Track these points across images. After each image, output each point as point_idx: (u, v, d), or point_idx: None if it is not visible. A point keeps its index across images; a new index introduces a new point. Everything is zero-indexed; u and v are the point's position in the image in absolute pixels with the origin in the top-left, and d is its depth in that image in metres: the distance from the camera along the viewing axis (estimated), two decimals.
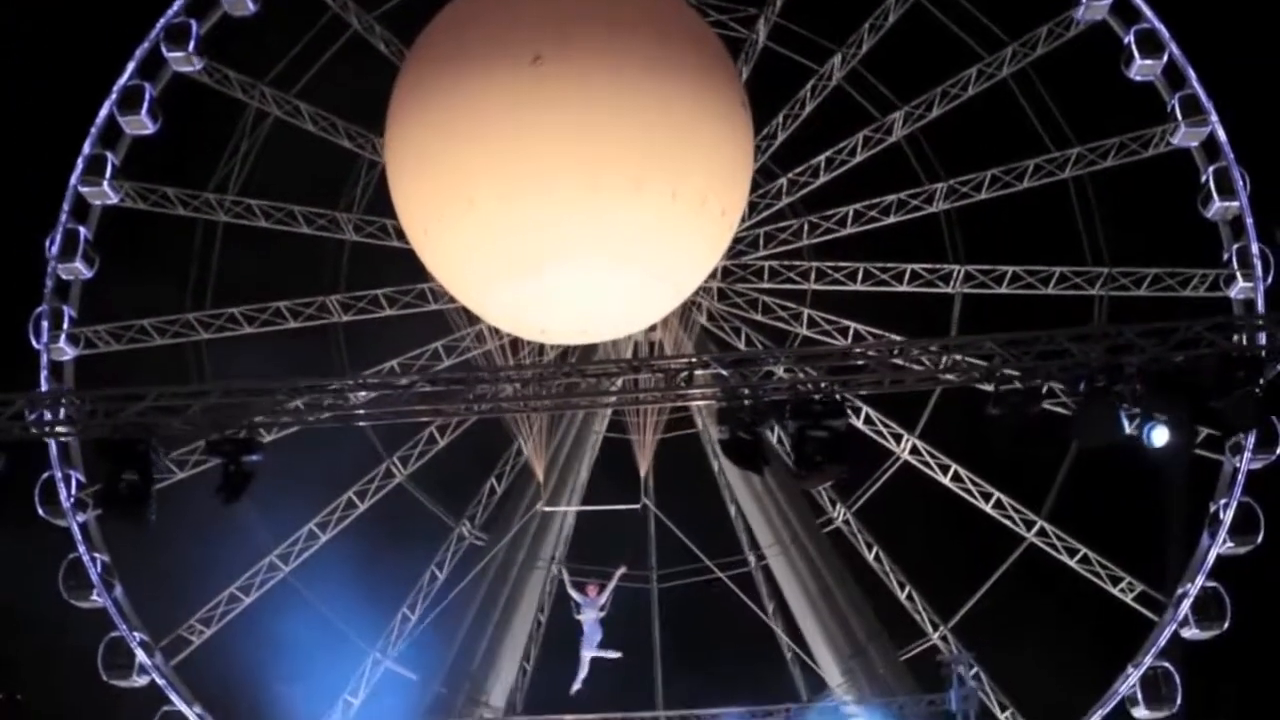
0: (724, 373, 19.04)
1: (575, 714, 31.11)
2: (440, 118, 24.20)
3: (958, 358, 18.68)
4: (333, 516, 33.73)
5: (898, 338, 32.64)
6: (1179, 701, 31.01)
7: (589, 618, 26.23)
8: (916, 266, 33.51)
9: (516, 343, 30.12)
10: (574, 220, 23.44)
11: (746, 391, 17.98)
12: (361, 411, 19.72)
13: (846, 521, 34.27)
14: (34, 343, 32.95)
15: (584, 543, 34.16)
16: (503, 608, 32.91)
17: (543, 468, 30.28)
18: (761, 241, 34.12)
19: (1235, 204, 32.07)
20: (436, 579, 33.95)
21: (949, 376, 18.99)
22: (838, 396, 17.89)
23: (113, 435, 18.35)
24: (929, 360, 18.82)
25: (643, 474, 29.92)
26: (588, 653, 26.93)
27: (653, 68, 23.84)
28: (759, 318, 34.13)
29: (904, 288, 33.56)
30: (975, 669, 31.14)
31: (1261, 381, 17.05)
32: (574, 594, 26.85)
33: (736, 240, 33.87)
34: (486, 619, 32.71)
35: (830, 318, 33.77)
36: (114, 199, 33.64)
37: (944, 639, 33.09)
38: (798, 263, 33.97)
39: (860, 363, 18.69)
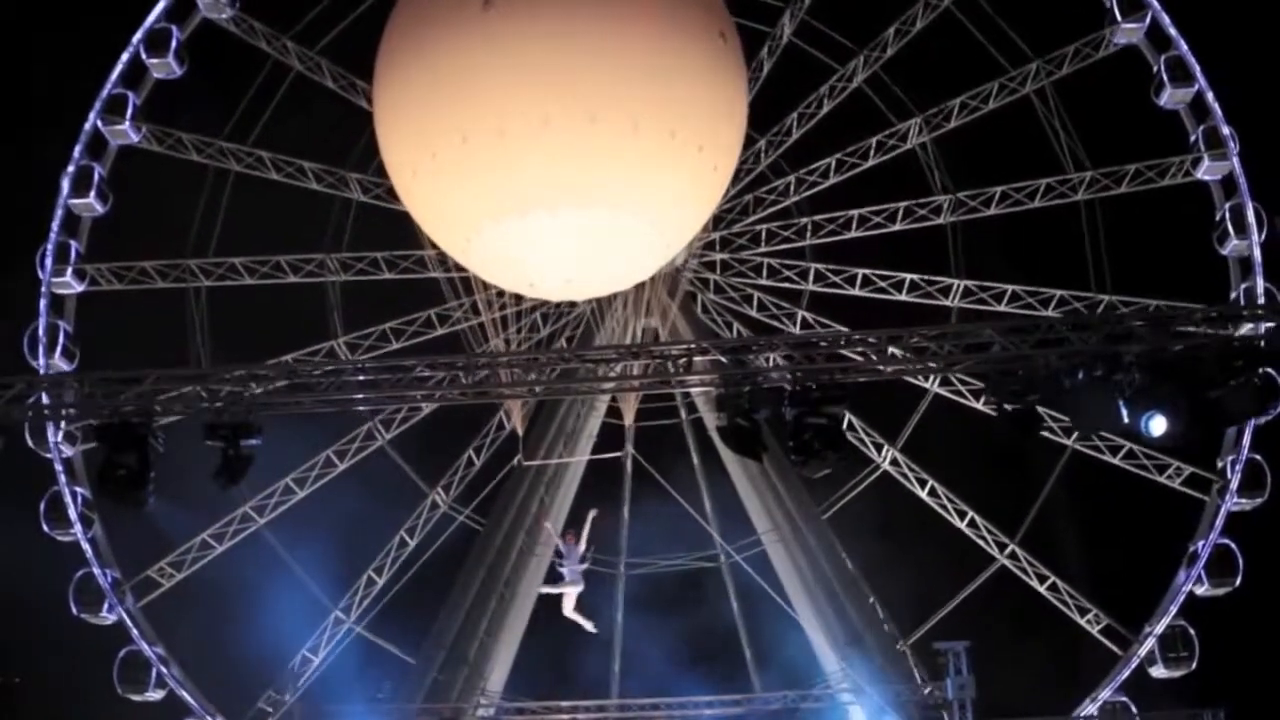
0: (723, 359, 18.95)
1: (572, 700, 31.21)
2: (408, 62, 24.13)
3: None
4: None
5: (906, 274, 33.72)
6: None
7: (571, 569, 25.91)
8: (907, 204, 33.97)
9: (507, 319, 30.07)
10: (555, 160, 23.08)
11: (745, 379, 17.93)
12: (360, 396, 19.69)
13: (894, 462, 34.36)
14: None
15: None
16: (500, 592, 32.90)
17: (522, 422, 30.08)
18: (752, 205, 34.63)
19: (1190, 89, 32.52)
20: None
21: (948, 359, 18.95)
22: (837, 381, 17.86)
23: (111, 419, 18.32)
24: (930, 345, 18.77)
25: (628, 424, 29.80)
26: (571, 610, 26.72)
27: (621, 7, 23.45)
28: (763, 280, 34.48)
29: (898, 226, 33.97)
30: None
31: (1260, 371, 17.04)
32: (558, 542, 26.51)
33: (736, 219, 34.17)
34: (485, 604, 32.69)
35: (836, 266, 34.06)
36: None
37: (1013, 556, 33.39)
38: (795, 220, 34.37)
39: (859, 348, 18.62)
